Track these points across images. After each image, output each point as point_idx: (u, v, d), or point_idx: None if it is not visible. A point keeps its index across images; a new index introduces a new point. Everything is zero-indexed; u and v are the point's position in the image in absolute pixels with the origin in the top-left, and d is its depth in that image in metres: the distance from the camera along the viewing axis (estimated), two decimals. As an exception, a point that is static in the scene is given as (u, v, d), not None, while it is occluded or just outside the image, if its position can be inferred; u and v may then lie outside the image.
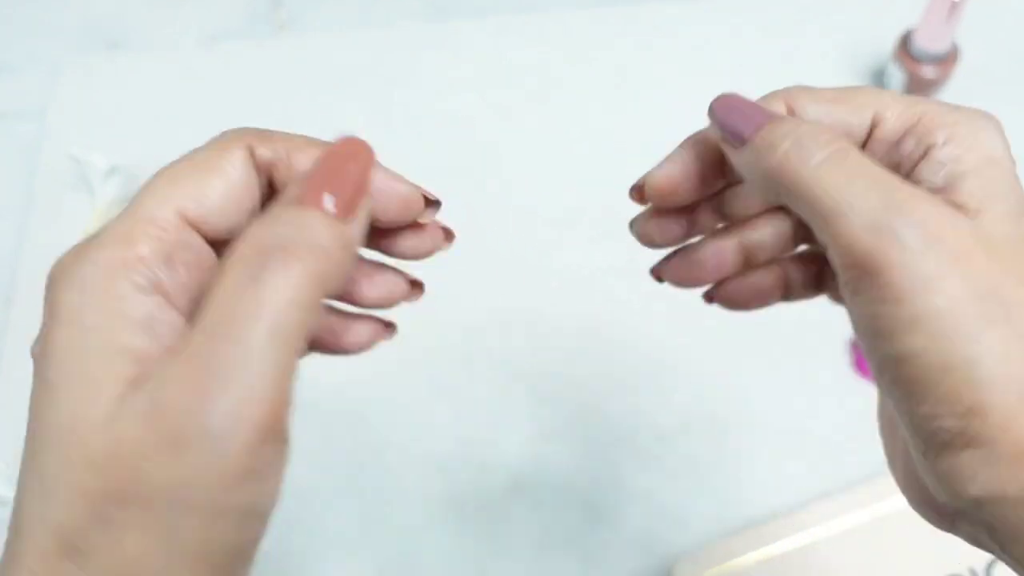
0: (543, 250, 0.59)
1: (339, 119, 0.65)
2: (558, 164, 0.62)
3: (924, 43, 0.60)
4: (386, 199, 0.24)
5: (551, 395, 0.53)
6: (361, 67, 0.68)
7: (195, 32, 0.70)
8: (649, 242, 0.28)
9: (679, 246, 0.28)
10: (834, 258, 0.22)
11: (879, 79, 0.64)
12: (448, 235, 0.27)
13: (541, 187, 0.61)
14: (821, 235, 0.22)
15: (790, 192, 0.22)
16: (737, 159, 0.24)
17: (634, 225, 0.28)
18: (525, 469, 0.51)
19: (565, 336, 0.55)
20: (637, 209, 0.28)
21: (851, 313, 0.22)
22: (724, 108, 0.24)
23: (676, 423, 0.52)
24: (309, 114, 0.65)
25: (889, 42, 0.65)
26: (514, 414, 0.53)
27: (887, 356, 0.21)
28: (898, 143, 0.24)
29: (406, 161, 0.65)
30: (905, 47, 0.62)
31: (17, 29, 0.71)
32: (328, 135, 0.64)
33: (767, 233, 0.27)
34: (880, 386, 0.22)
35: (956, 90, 0.62)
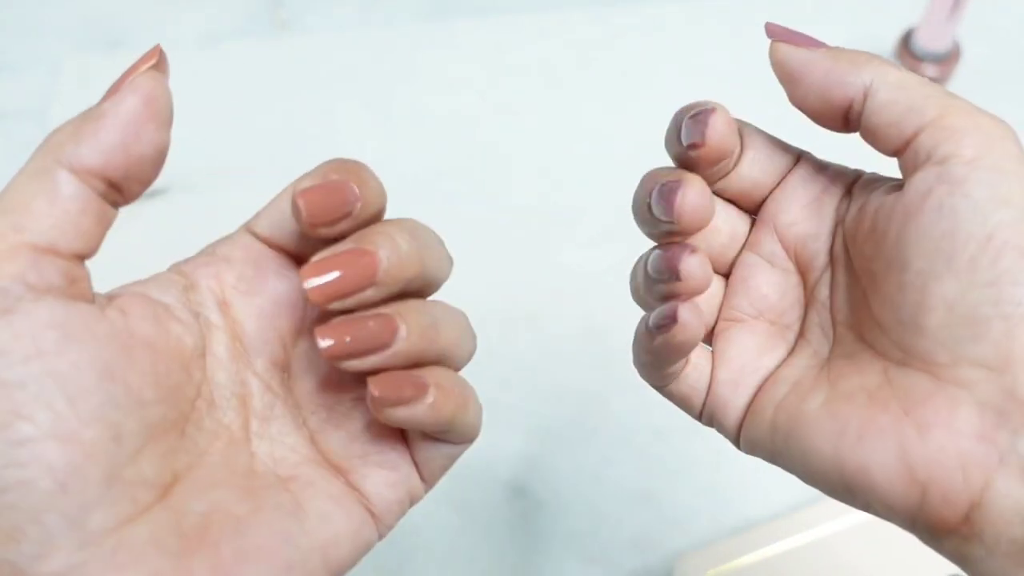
0: (543, 250, 0.59)
1: (339, 119, 0.65)
2: (558, 164, 0.62)
3: (925, 42, 0.60)
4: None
5: (551, 395, 0.53)
6: (361, 67, 0.68)
7: (195, 31, 0.70)
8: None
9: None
10: (939, 130, 0.23)
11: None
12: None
13: (541, 187, 0.61)
14: (924, 113, 0.23)
15: (890, 81, 0.24)
16: (803, 55, 0.25)
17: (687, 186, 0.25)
18: (525, 469, 0.51)
19: (565, 336, 0.55)
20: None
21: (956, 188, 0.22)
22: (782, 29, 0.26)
23: (676, 423, 0.52)
24: (309, 114, 0.65)
25: (890, 41, 0.65)
26: (514, 414, 0.53)
27: (1001, 221, 0.22)
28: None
29: (406, 161, 0.65)
30: (906, 46, 0.62)
31: (17, 29, 0.71)
32: (328, 135, 0.64)
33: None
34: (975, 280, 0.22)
35: (957, 89, 0.62)
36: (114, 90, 0.22)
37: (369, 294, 0.23)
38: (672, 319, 0.25)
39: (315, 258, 0.22)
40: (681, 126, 0.26)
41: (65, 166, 0.21)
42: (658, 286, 0.26)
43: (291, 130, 0.64)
